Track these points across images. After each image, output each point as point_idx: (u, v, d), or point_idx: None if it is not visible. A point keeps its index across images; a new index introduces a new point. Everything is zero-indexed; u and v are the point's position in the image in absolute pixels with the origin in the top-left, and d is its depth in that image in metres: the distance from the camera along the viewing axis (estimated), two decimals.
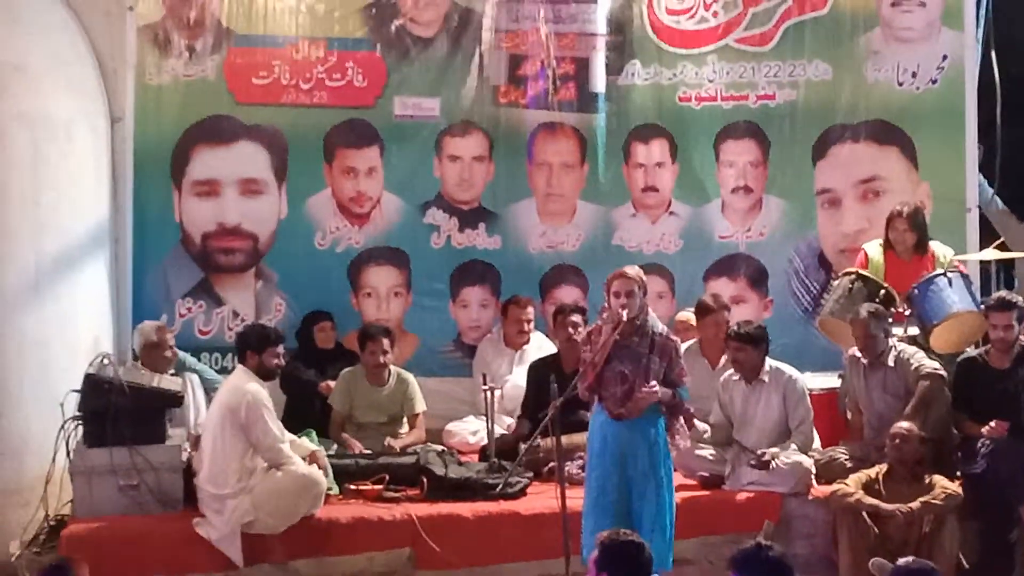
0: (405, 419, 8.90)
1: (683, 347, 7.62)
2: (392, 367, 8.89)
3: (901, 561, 5.35)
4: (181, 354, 8.83)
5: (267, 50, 9.61)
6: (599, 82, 9.79)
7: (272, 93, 9.61)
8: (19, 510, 7.91)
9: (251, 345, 7.67)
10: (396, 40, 9.70)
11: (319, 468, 7.74)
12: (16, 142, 8.21)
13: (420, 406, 8.89)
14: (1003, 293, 8.37)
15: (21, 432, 8.06)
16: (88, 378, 7.70)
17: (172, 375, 8.40)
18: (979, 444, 7.91)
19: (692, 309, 9.12)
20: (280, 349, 7.79)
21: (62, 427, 7.66)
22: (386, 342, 8.75)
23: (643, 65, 9.83)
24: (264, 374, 7.71)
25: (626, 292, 7.12)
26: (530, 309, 9.46)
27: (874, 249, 8.93)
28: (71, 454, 7.68)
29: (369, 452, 8.41)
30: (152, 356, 8.48)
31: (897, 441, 7.70)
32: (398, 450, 8.46)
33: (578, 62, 9.78)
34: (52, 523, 7.77)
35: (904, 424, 7.75)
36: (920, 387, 8.05)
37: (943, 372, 8.12)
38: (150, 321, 8.86)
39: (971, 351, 8.38)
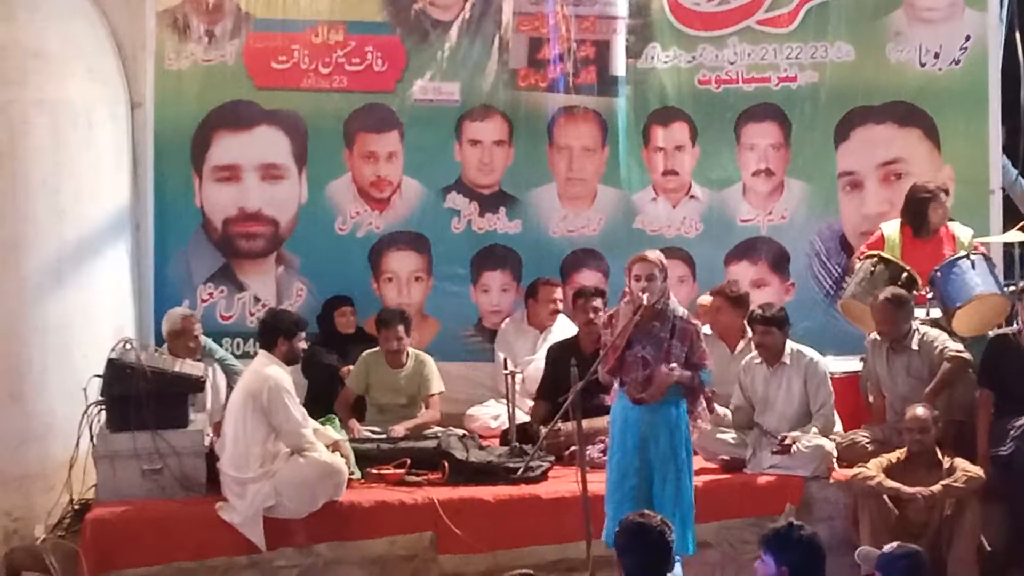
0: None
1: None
2: (410, 349, 8.89)
3: (886, 548, 5.38)
4: (208, 342, 8.84)
5: (286, 35, 9.61)
6: (619, 65, 9.75)
7: (292, 78, 9.62)
8: (44, 494, 7.98)
9: (284, 331, 7.70)
10: (415, 24, 9.68)
11: (342, 457, 7.77)
12: (36, 129, 8.25)
13: (435, 387, 8.88)
14: None
15: (45, 417, 8.13)
16: (111, 363, 7.74)
17: (198, 360, 8.44)
18: (1009, 427, 7.88)
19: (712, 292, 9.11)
20: (303, 334, 7.86)
21: (85, 412, 7.71)
22: (400, 329, 8.75)
23: (663, 48, 9.78)
24: (291, 359, 7.77)
25: (647, 276, 7.11)
26: (559, 290, 9.46)
27: (892, 228, 8.89)
28: (94, 439, 7.73)
29: (383, 435, 8.42)
30: (177, 343, 8.52)
31: (917, 435, 7.66)
32: (402, 434, 8.46)
33: (598, 45, 9.74)
34: (76, 507, 7.83)
35: (919, 411, 7.70)
36: (943, 368, 8.03)
37: (967, 355, 8.10)
38: (178, 308, 8.91)
39: (1005, 328, 8.33)
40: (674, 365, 7.09)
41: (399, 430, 8.51)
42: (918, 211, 8.78)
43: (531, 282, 9.57)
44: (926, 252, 8.63)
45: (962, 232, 8.85)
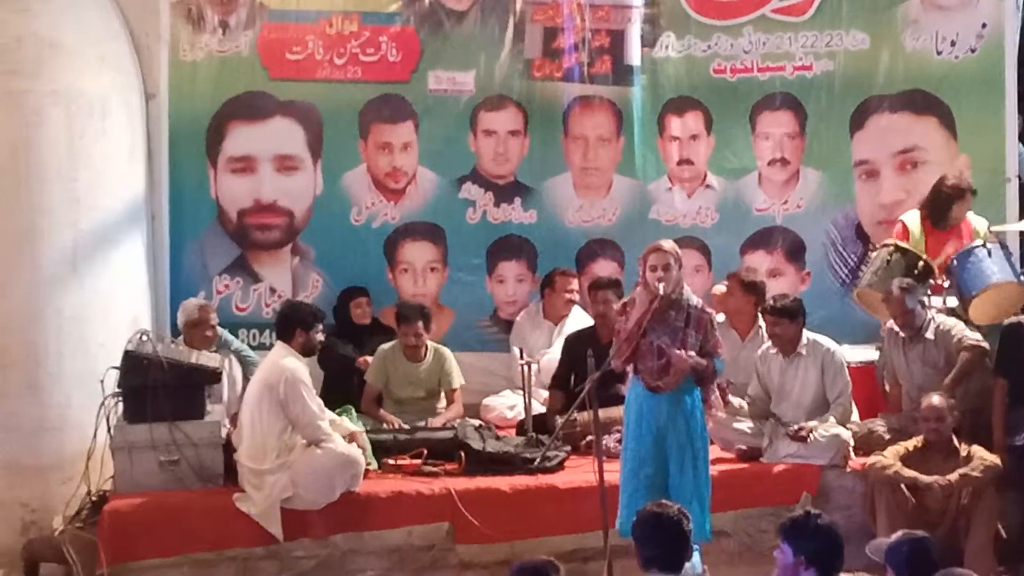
0: (443, 394, 8.92)
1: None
2: (429, 343, 8.90)
3: (894, 537, 5.43)
4: (224, 333, 8.85)
5: (300, 25, 9.58)
6: (634, 55, 9.71)
7: (306, 69, 9.59)
8: (61, 486, 7.99)
9: (303, 323, 7.72)
10: (429, 14, 9.65)
11: (359, 448, 7.78)
12: (51, 120, 8.25)
13: (457, 380, 8.90)
14: None
15: (62, 409, 8.14)
16: (127, 355, 7.76)
17: (213, 351, 8.45)
18: None
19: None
20: (321, 326, 7.89)
21: (102, 404, 7.72)
22: (419, 325, 8.74)
23: (678, 37, 9.74)
24: (309, 351, 7.79)
25: (663, 266, 7.13)
26: (575, 281, 9.46)
27: (912, 219, 8.88)
28: (111, 430, 7.74)
29: (407, 427, 8.44)
30: (193, 334, 8.53)
31: (933, 424, 7.64)
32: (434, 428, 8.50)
33: (613, 34, 9.71)
34: (94, 498, 7.84)
35: (935, 400, 7.69)
36: (961, 359, 8.02)
37: (985, 344, 8.09)
38: (193, 299, 8.92)
39: (1021, 316, 8.31)
40: (691, 353, 7.11)
41: (436, 423, 8.56)
42: (942, 207, 8.76)
43: (548, 272, 9.57)
44: (944, 242, 8.60)
45: (978, 223, 8.84)
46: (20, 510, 8.06)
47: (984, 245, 8.40)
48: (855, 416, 8.33)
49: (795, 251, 9.84)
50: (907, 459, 7.66)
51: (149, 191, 9.27)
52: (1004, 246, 8.59)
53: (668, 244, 7.28)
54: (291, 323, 7.74)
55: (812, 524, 5.18)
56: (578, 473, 7.90)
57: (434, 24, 9.66)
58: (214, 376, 8.02)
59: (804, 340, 8.24)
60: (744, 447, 8.21)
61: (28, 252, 8.19)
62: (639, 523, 5.32)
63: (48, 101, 8.25)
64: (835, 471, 8.01)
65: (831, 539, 5.17)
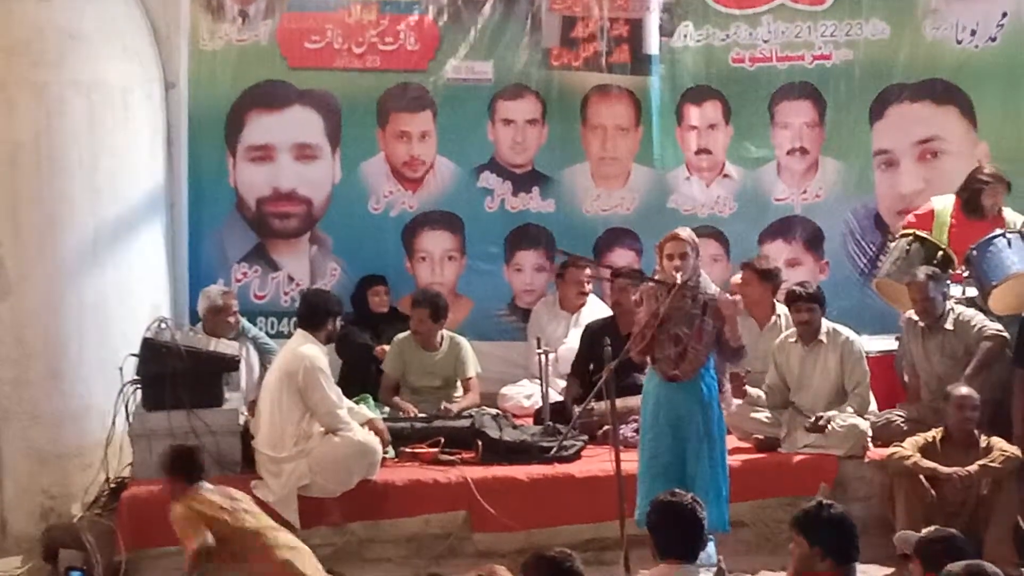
0: (459, 382, 8.94)
1: None
2: (444, 331, 8.91)
3: (924, 531, 5.42)
4: (242, 321, 8.88)
5: (319, 14, 9.61)
6: (652, 44, 9.70)
7: (325, 58, 9.61)
8: (81, 472, 8.04)
9: (331, 311, 7.79)
10: (448, 3, 9.66)
11: (376, 435, 7.80)
12: (72, 109, 8.29)
13: (473, 369, 8.92)
14: None
15: (82, 396, 8.18)
16: (146, 342, 7.80)
17: (231, 339, 8.48)
18: None
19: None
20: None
21: (121, 391, 7.77)
22: (425, 313, 8.75)
23: (696, 26, 9.73)
24: (331, 339, 7.82)
25: (680, 254, 7.13)
26: (588, 271, 9.46)
27: (942, 203, 8.82)
28: (130, 417, 7.80)
29: (424, 416, 8.47)
30: (215, 320, 8.57)
31: (968, 413, 7.59)
32: (454, 414, 8.51)
33: (631, 24, 9.70)
34: (113, 485, 7.90)
35: (965, 390, 7.66)
36: (982, 348, 7.99)
37: (1006, 334, 8.06)
38: (215, 286, 8.97)
39: None
40: (738, 296, 7.09)
41: (453, 410, 8.57)
42: (975, 195, 8.70)
43: (561, 263, 9.57)
44: (974, 233, 8.53)
45: (1013, 217, 8.76)
46: (40, 496, 8.11)
47: (1004, 235, 8.35)
48: (873, 406, 8.31)
49: (814, 241, 9.83)
50: (926, 450, 7.64)
51: (169, 180, 9.32)
52: None
53: (685, 232, 7.28)
54: (322, 312, 7.77)
55: (825, 515, 5.17)
56: (595, 462, 7.91)
57: (452, 13, 9.67)
58: (232, 364, 8.06)
59: (824, 329, 8.23)
60: (762, 437, 8.21)
61: (50, 241, 8.23)
62: (653, 512, 5.34)
63: (70, 91, 8.28)
64: (853, 461, 7.99)
65: (845, 529, 5.15)
